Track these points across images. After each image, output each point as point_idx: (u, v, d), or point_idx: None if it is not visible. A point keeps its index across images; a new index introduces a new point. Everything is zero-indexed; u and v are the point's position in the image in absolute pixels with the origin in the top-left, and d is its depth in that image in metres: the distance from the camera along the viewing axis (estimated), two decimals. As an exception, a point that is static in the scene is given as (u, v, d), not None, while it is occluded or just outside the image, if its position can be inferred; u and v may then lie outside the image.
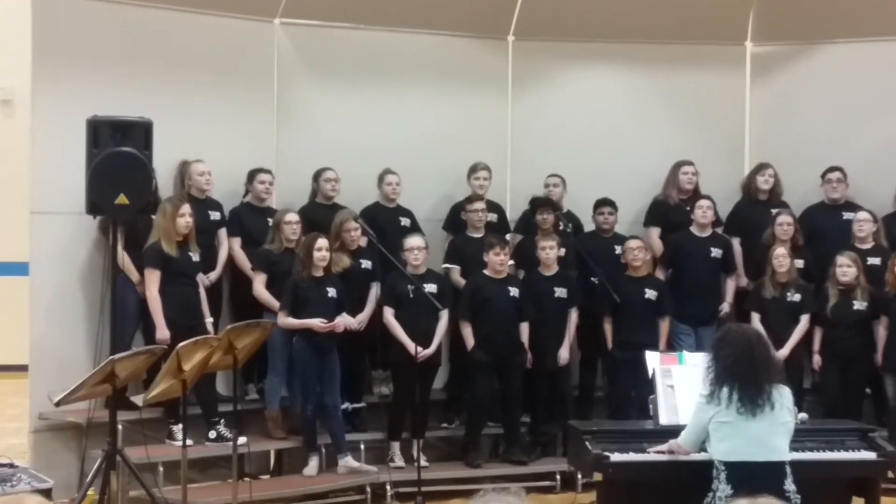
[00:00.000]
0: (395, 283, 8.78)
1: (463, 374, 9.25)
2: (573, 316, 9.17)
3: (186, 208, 8.25)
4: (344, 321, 8.48)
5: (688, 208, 9.64)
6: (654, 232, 9.82)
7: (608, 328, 9.18)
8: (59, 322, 8.51)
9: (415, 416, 8.76)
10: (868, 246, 9.33)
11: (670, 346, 9.12)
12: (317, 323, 8.30)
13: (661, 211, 9.87)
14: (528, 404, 9.21)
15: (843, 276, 8.92)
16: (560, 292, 9.11)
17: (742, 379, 5.75)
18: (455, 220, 9.63)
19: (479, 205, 9.41)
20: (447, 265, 9.34)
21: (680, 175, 9.80)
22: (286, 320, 8.36)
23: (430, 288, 8.74)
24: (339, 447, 8.56)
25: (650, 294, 9.16)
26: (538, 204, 9.45)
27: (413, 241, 8.84)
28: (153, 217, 8.19)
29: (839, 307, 8.95)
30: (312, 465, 8.53)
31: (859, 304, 8.94)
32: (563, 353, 9.09)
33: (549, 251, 9.07)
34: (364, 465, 8.60)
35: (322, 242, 8.39)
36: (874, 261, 9.22)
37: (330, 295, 8.44)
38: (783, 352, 8.77)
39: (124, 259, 8.01)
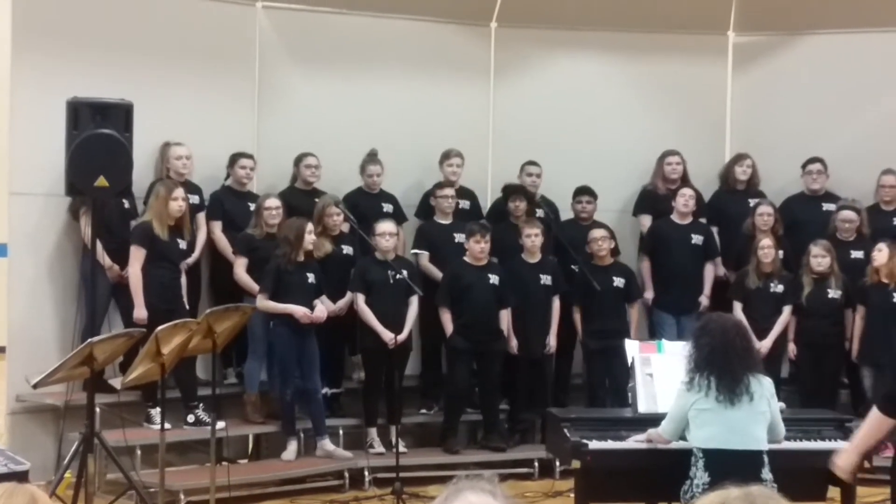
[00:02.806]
0: (366, 269, 8.77)
1: (436, 360, 9.28)
2: (557, 303, 9.19)
3: (180, 192, 8.23)
4: (325, 308, 8.48)
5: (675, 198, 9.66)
6: (646, 219, 9.85)
7: (577, 317, 9.23)
8: (36, 304, 8.47)
9: (390, 402, 8.78)
10: (851, 238, 9.36)
11: (652, 334, 9.16)
12: (299, 311, 8.31)
13: (649, 200, 9.90)
14: (507, 391, 9.24)
15: (819, 265, 8.98)
16: (545, 279, 9.13)
17: (719, 369, 5.78)
18: (427, 207, 9.62)
19: (449, 191, 9.39)
20: (416, 251, 9.32)
21: (665, 166, 9.82)
22: (266, 303, 8.35)
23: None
24: (318, 430, 8.58)
25: (618, 282, 9.21)
26: (510, 191, 9.45)
27: (383, 226, 8.77)
28: (124, 201, 8.17)
29: (814, 295, 9.02)
30: (291, 449, 8.53)
31: (833, 293, 9.01)
32: (551, 341, 9.14)
33: (535, 238, 9.08)
34: (340, 450, 8.61)
35: (311, 227, 8.41)
36: (857, 254, 9.25)
37: (310, 280, 8.44)
38: (766, 343, 8.86)
39: (95, 242, 7.93)
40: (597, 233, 9.28)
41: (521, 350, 9.06)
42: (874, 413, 5.09)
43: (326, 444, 8.57)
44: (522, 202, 9.35)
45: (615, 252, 9.42)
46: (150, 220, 8.16)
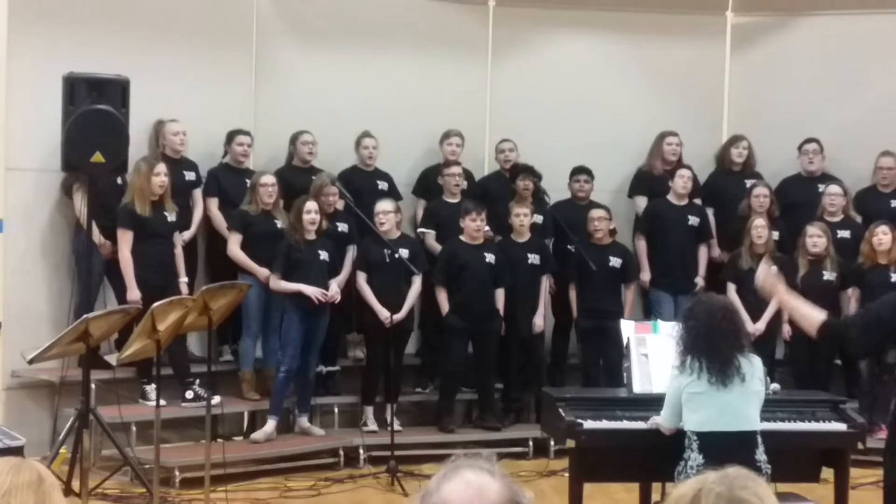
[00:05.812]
0: (368, 248, 8.77)
1: (435, 339, 9.28)
2: (545, 283, 9.20)
3: (161, 167, 8.21)
4: (336, 288, 8.52)
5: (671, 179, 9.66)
6: (641, 200, 9.85)
7: (573, 296, 9.23)
8: (32, 279, 8.47)
9: (388, 380, 8.79)
10: (838, 219, 9.37)
11: (649, 313, 9.17)
12: (309, 290, 8.32)
13: (645, 180, 9.91)
14: (501, 371, 9.25)
15: (814, 246, 9.00)
16: (533, 259, 9.13)
17: (709, 350, 5.75)
18: (425, 185, 9.61)
19: (456, 169, 9.38)
20: (423, 229, 9.33)
21: (664, 146, 9.82)
22: (279, 283, 8.36)
23: (403, 253, 8.70)
24: (301, 407, 8.65)
25: (614, 262, 9.22)
26: (520, 171, 9.44)
27: (380, 205, 8.78)
28: (118, 178, 8.15)
29: (809, 277, 9.01)
30: (267, 428, 8.47)
31: (829, 275, 9.01)
32: (538, 321, 9.14)
33: (523, 218, 9.08)
34: (316, 428, 8.65)
35: (311, 205, 8.40)
36: (844, 234, 9.27)
37: (322, 258, 8.46)
38: (759, 325, 8.87)
39: (91, 219, 7.91)
40: (595, 213, 9.29)
41: (508, 330, 9.06)
42: (814, 322, 5.22)
43: (303, 421, 8.62)
44: (531, 181, 9.32)
45: (613, 232, 9.40)
46: (131, 200, 8.14)
